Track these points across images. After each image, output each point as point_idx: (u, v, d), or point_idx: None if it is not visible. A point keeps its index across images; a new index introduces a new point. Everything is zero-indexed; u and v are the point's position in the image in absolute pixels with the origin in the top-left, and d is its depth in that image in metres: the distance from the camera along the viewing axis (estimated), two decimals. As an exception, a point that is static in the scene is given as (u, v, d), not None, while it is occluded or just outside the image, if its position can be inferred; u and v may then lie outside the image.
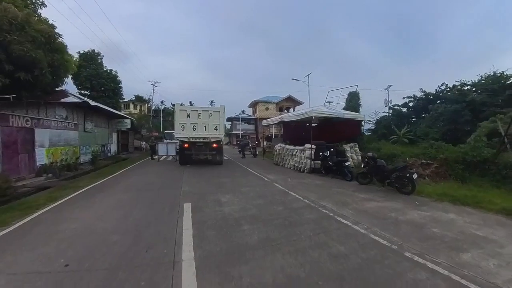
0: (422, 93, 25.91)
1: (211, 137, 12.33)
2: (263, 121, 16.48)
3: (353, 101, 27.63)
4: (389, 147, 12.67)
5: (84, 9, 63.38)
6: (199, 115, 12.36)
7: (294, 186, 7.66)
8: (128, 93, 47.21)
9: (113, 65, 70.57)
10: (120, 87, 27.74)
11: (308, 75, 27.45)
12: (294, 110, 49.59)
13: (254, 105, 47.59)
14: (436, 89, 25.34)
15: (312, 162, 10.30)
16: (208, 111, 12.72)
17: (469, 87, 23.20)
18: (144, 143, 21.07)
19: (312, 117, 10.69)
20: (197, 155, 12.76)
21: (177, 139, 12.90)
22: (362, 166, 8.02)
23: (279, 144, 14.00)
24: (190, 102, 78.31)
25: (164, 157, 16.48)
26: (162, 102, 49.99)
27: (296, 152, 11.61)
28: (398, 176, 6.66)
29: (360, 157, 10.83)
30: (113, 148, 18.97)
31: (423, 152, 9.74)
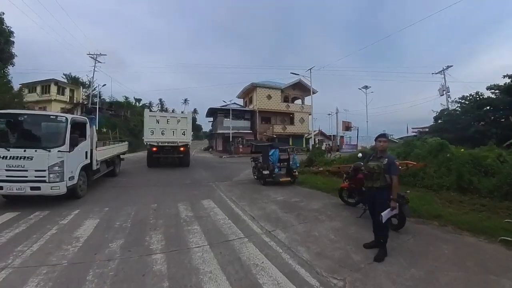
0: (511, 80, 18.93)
1: (179, 141, 12.86)
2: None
3: None
4: None
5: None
6: (167, 121, 12.80)
7: None
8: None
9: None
10: (10, 41, 15.30)
11: None
12: (303, 102, 36.77)
13: (248, 93, 34.27)
14: None
15: None
16: (176, 117, 13.46)
17: None
18: None
19: None
20: (165, 158, 13.28)
21: (146, 143, 12.82)
22: None
23: None
24: (160, 100, 64.23)
25: None
26: (104, 85, 35.15)
27: None
28: None
29: None
30: None
31: None
